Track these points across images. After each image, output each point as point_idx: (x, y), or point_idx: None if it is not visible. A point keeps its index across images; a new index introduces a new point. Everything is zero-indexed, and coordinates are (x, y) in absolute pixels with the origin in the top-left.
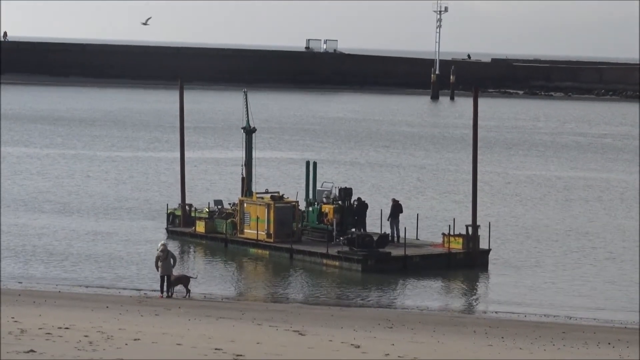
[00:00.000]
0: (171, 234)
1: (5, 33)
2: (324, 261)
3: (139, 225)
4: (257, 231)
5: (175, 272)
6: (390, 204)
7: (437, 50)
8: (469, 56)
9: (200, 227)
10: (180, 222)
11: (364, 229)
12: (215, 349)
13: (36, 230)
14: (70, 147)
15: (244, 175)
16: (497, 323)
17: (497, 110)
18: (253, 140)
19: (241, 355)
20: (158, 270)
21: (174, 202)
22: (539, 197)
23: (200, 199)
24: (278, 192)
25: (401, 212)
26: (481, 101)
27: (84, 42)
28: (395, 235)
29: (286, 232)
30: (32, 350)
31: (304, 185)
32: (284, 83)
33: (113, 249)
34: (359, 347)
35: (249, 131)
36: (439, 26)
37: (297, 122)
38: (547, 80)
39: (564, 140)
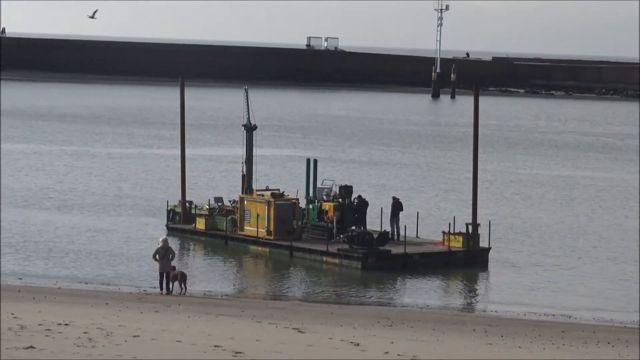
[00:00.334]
0: (171, 230)
1: (3, 29)
2: (324, 259)
3: (139, 222)
4: (257, 228)
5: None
6: (391, 201)
7: (438, 48)
8: (467, 54)
9: (200, 224)
10: (180, 219)
11: (364, 227)
12: (215, 346)
13: (37, 226)
14: (71, 144)
15: (245, 173)
16: (496, 322)
17: (498, 109)
18: (254, 138)
19: (241, 352)
20: (156, 261)
21: (175, 199)
22: (540, 196)
23: (201, 196)
24: (278, 190)
25: (401, 210)
26: (482, 100)
27: (84, 38)
28: (395, 233)
29: (286, 230)
30: (31, 347)
31: (304, 182)
32: (285, 80)
33: (113, 245)
34: (358, 345)
35: (250, 128)
36: (440, 24)
37: (298, 119)
38: (548, 79)
39: (565, 139)
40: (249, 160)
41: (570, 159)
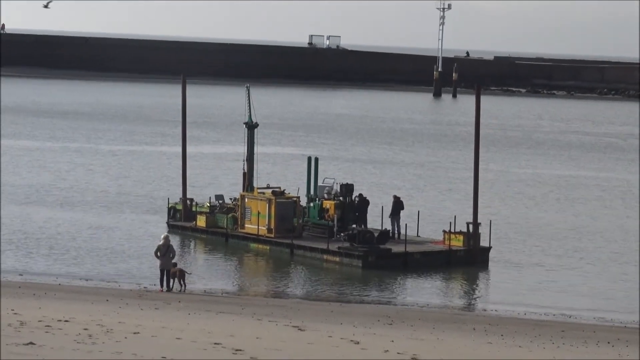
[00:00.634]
0: (172, 228)
1: (3, 25)
2: (325, 257)
3: (140, 219)
4: (258, 226)
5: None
6: (392, 200)
7: (439, 47)
8: (467, 54)
9: (201, 222)
10: (181, 216)
11: (365, 225)
12: (215, 343)
13: (38, 223)
14: (73, 141)
15: (246, 171)
16: (496, 321)
17: (499, 109)
18: (255, 136)
19: (240, 350)
20: (158, 258)
21: (176, 197)
22: (542, 196)
23: (202, 194)
24: (279, 188)
25: (402, 208)
26: (483, 99)
27: (86, 35)
28: (395, 231)
29: (287, 228)
30: (31, 343)
31: (305, 180)
32: (287, 79)
33: (114, 242)
34: (358, 343)
35: (251, 126)
36: (442, 23)
37: (300, 117)
38: (549, 78)
39: (567, 139)
40: (250, 158)
41: (573, 159)
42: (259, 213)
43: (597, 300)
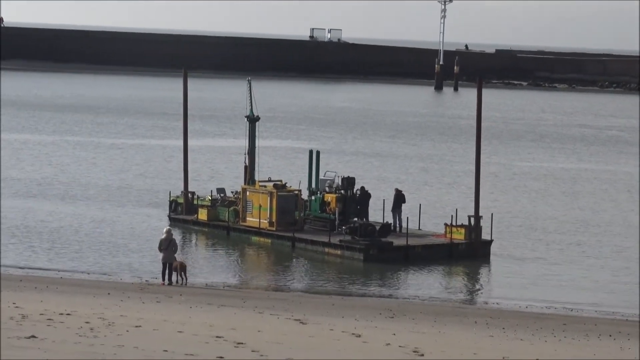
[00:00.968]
0: (173, 221)
1: (1, 19)
2: (326, 250)
3: (141, 212)
4: (260, 219)
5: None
6: (393, 193)
7: (441, 40)
8: (466, 46)
9: (202, 215)
10: (182, 209)
11: (367, 219)
12: (216, 336)
13: (39, 216)
14: (74, 134)
15: (247, 164)
16: (498, 314)
17: (501, 102)
18: (256, 129)
19: (242, 343)
20: (161, 252)
21: (177, 190)
22: (544, 189)
23: (204, 187)
24: (281, 181)
25: (404, 202)
26: (485, 92)
27: (88, 29)
28: (397, 225)
29: (288, 221)
30: (33, 336)
31: (307, 174)
32: (288, 72)
33: (116, 235)
34: (360, 336)
35: (253, 120)
36: (444, 17)
37: (301, 111)
38: (551, 71)
39: (570, 132)
40: (251, 152)
41: (575, 152)
42: (260, 206)
43: (599, 294)
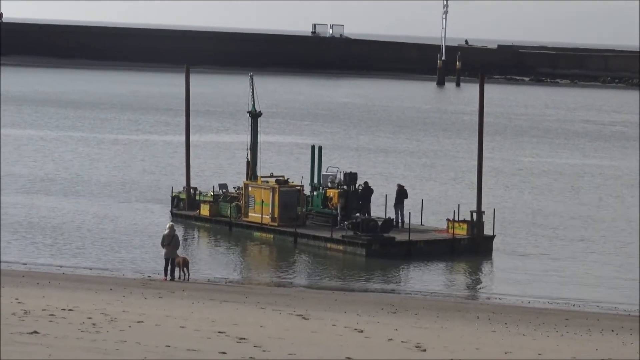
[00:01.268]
0: (176, 217)
1: (0, 14)
2: (328, 245)
3: (144, 208)
4: (262, 215)
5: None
6: (396, 189)
7: (443, 36)
8: (466, 41)
9: (204, 211)
10: (184, 205)
11: (369, 214)
12: (219, 332)
13: (42, 212)
14: (77, 130)
15: (249, 159)
16: (500, 309)
17: (504, 97)
18: (259, 125)
19: (244, 338)
20: (164, 247)
21: (179, 186)
22: (547, 185)
23: (206, 183)
24: (283, 176)
25: (406, 197)
26: (487, 88)
27: (90, 24)
28: (399, 220)
29: (290, 216)
30: (35, 332)
31: (309, 169)
32: (291, 67)
33: (118, 231)
34: (362, 331)
35: (255, 115)
36: (446, 12)
37: (303, 106)
38: (553, 67)
39: (573, 128)
40: (253, 147)
41: (579, 148)
42: (262, 202)
43: (602, 290)
